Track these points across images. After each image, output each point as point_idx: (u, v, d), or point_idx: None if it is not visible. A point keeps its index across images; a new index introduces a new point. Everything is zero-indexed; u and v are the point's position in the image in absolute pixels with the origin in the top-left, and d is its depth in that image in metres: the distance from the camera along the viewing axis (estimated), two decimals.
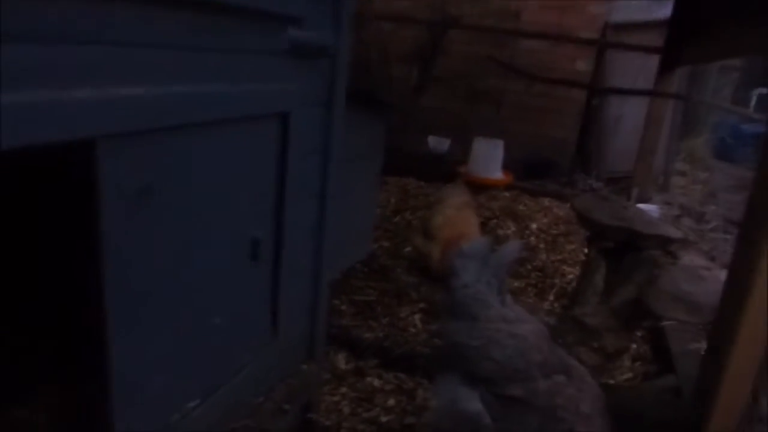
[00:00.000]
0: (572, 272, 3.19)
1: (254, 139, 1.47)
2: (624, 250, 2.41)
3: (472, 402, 1.40)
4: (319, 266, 1.90)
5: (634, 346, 2.47)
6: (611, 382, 2.25)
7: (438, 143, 5.35)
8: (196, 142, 1.27)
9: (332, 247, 1.91)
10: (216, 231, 1.39)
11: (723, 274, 1.66)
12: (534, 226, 3.78)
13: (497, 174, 4.65)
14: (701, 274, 2.42)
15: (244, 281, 1.54)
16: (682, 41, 3.94)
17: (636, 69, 5.07)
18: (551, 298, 2.96)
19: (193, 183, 1.28)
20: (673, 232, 2.49)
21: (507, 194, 4.42)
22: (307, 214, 1.80)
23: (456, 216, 3.07)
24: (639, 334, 2.54)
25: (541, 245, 3.53)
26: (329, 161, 1.81)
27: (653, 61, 4.36)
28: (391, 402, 2.08)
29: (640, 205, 4.03)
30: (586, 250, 2.81)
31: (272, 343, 1.72)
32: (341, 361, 2.27)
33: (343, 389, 2.12)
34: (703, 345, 2.20)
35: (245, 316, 1.59)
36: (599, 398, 1.43)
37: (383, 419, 1.99)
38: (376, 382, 2.17)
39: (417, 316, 2.64)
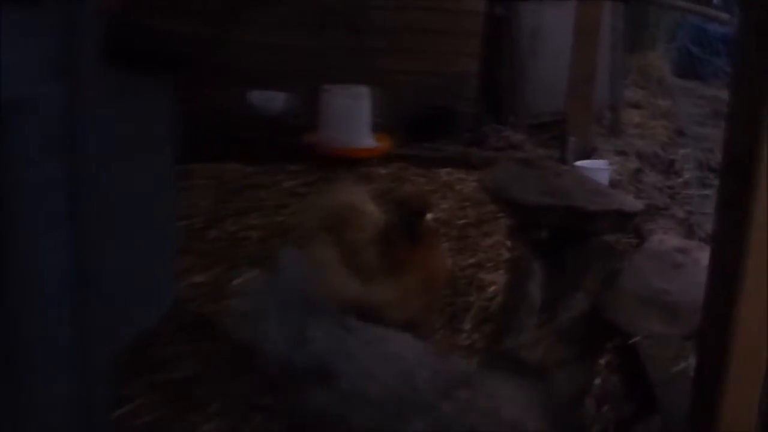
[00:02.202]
0: (494, 282, 3.25)
1: None
2: (564, 239, 2.47)
3: None
4: (89, 340, 1.83)
5: (598, 381, 2.54)
6: None
7: (267, 100, 5.30)
8: None
9: (106, 304, 1.85)
10: None
11: (706, 255, 1.73)
12: (429, 215, 3.82)
13: (366, 140, 4.67)
14: (677, 260, 2.54)
15: None
16: None
17: None
18: (468, 326, 2.99)
19: None
20: (631, 203, 2.59)
21: (384, 170, 4.45)
22: (51, 257, 1.73)
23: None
24: (602, 361, 2.63)
25: (444, 245, 3.56)
26: (82, 166, 1.76)
27: None
28: None
29: (581, 164, 4.21)
30: (510, 246, 2.87)
31: None
32: None
33: None
34: (692, 364, 2.30)
35: None
36: (524, 389, 1.59)
37: None
38: None
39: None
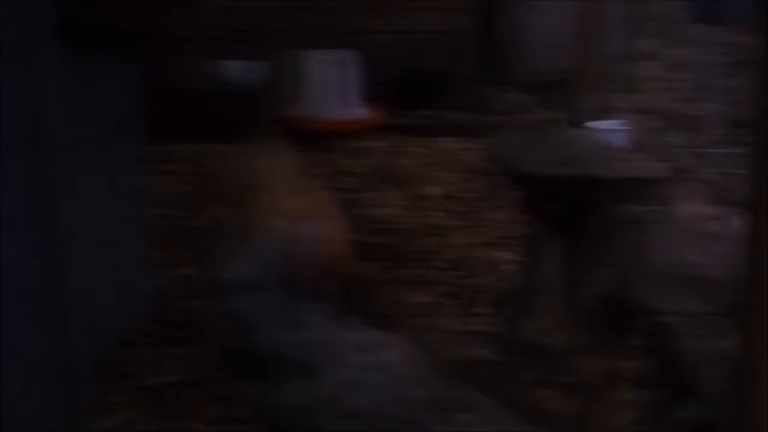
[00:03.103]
0: (507, 260, 3.30)
1: None
2: (582, 212, 2.52)
3: None
4: (62, 346, 1.88)
5: (627, 366, 2.59)
6: None
7: (244, 70, 5.30)
8: None
9: (83, 305, 1.89)
10: None
11: (740, 222, 1.76)
12: (433, 190, 3.87)
13: (354, 110, 4.70)
14: (707, 228, 2.60)
15: None
16: None
17: None
18: (480, 310, 3.04)
19: None
20: (653, 167, 2.63)
21: (377, 143, 4.49)
22: (22, 259, 1.75)
23: (302, 206, 3.06)
24: (629, 344, 2.68)
25: (452, 222, 3.63)
26: (48, 157, 1.79)
27: None
28: None
29: (595, 125, 4.22)
30: (524, 221, 2.91)
31: None
32: None
33: None
34: (730, 343, 2.34)
35: None
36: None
37: None
38: None
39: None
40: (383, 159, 4.29)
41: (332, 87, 4.73)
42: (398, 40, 5.30)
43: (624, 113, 4.86)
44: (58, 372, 1.89)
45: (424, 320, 2.96)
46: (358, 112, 4.75)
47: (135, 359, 2.80)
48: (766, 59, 1.56)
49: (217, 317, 2.02)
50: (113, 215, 2.89)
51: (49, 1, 1.77)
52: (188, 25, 5.14)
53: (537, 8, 5.61)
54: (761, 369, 1.57)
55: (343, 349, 1.57)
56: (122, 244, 2.97)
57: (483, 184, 3.95)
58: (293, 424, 1.58)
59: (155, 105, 3.15)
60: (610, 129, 4.17)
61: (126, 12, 2.85)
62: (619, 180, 2.48)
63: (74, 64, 2.02)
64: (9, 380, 1.70)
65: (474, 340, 2.83)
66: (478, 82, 5.44)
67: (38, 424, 1.84)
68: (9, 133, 1.69)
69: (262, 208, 2.92)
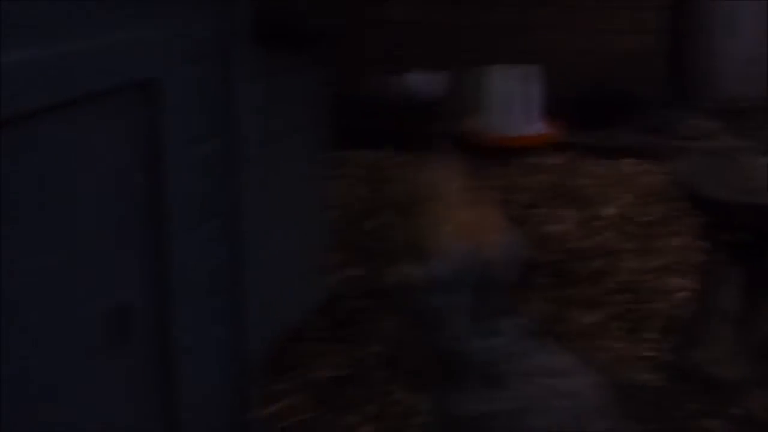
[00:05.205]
0: (683, 287, 3.23)
1: (93, 134, 1.48)
2: (765, 242, 2.43)
3: None
4: (239, 335, 1.92)
5: None
6: None
7: (426, 83, 5.35)
8: None
9: (259, 297, 1.93)
10: (42, 301, 1.39)
11: None
12: (608, 211, 3.82)
13: (534, 126, 4.68)
14: None
15: (104, 379, 1.56)
16: None
17: None
18: (650, 336, 2.98)
19: None
20: None
21: (554, 161, 4.45)
22: (208, 249, 1.82)
23: (473, 219, 3.06)
24: None
25: (626, 245, 3.57)
26: (237, 151, 1.84)
27: None
28: None
29: None
30: (703, 248, 2.84)
31: None
32: None
33: None
34: None
35: None
36: None
37: None
38: None
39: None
40: (559, 176, 4.26)
41: (513, 102, 4.73)
42: (585, 59, 5.25)
43: None
44: (237, 361, 1.95)
45: (590, 341, 2.93)
46: (538, 128, 4.72)
47: (302, 352, 2.88)
48: None
49: (404, 315, 2.03)
50: (292, 213, 2.96)
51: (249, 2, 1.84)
52: (373, 35, 5.25)
53: (732, 31, 5.45)
54: None
55: (532, 366, 1.56)
56: (299, 241, 3.05)
57: (661, 207, 3.87)
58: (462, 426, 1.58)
59: (336, 111, 3.22)
60: None
61: (318, 13, 2.92)
62: None
63: (264, 63, 2.11)
64: (193, 368, 1.77)
65: (641, 365, 2.78)
66: (664, 105, 5.32)
67: (214, 409, 1.91)
68: (203, 129, 1.76)
69: (439, 218, 2.94)
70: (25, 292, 1.35)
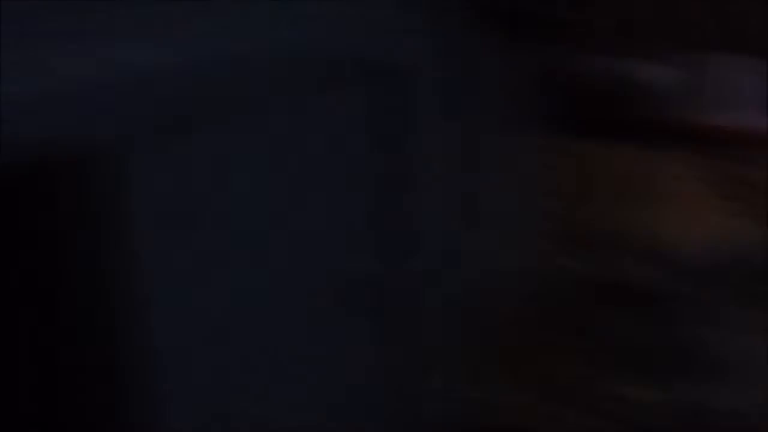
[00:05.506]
0: None
1: (339, 118, 1.58)
2: None
3: None
4: (457, 313, 2.03)
5: None
6: None
7: (654, 72, 5.25)
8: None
9: (477, 276, 2.07)
10: (281, 266, 1.50)
11: None
12: None
13: (762, 119, 4.56)
14: None
15: (335, 351, 1.66)
16: None
17: None
18: None
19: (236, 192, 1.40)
20: None
21: None
22: (437, 224, 1.91)
23: (711, 212, 2.97)
24: None
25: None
26: (468, 129, 1.96)
27: None
28: None
29: None
30: None
31: None
32: None
33: None
34: None
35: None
36: None
37: None
38: None
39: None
40: None
41: (741, 95, 4.64)
42: None
43: None
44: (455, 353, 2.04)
45: None
46: (765, 121, 4.62)
47: (510, 338, 2.82)
48: None
49: (636, 306, 2.07)
50: (505, 198, 2.96)
51: None
52: (596, 21, 5.22)
53: None
54: None
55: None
56: (512, 228, 3.06)
57: None
58: (721, 426, 1.59)
59: (555, 97, 3.20)
60: None
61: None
62: None
63: (487, 46, 2.17)
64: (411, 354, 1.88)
65: None
66: None
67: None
68: (440, 109, 1.85)
69: (675, 211, 2.88)
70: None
